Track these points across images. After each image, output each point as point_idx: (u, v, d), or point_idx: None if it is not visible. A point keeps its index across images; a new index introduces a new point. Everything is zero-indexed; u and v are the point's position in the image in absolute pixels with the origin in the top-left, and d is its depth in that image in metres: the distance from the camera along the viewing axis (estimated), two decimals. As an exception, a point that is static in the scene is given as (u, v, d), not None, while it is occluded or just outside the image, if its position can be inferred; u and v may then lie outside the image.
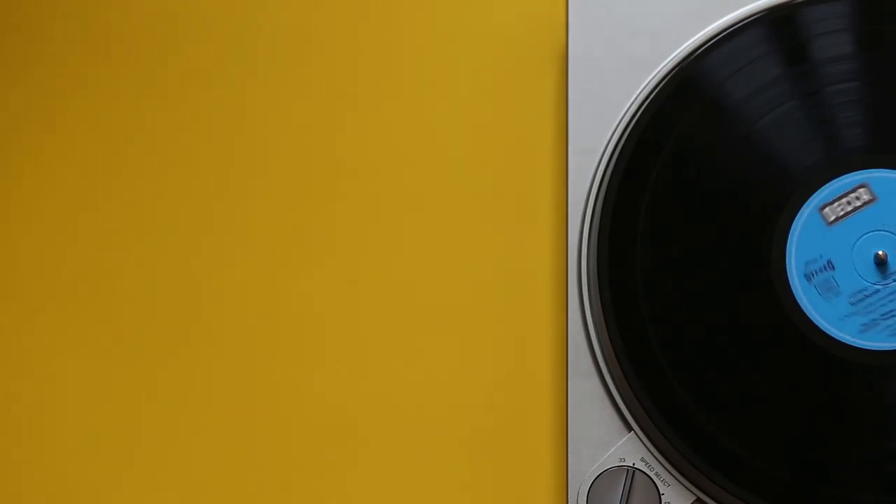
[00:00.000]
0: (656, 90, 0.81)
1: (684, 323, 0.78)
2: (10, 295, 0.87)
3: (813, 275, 0.77)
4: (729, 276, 0.78)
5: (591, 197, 0.81)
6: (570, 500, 0.79)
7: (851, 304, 0.78)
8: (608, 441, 0.79)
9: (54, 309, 0.87)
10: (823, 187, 0.78)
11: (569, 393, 0.80)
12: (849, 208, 0.78)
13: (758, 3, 0.81)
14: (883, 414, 0.77)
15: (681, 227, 0.79)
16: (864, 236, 0.78)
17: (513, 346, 0.84)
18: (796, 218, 0.78)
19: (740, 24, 0.81)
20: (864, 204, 0.78)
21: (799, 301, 0.78)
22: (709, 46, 0.81)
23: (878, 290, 0.78)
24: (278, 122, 0.88)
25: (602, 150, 0.81)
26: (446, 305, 0.85)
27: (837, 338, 0.77)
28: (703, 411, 0.78)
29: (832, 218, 0.78)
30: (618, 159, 0.80)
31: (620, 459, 0.79)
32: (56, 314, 0.87)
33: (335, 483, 0.85)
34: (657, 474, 0.79)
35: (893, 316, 0.77)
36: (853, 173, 0.78)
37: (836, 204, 0.78)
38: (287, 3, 0.89)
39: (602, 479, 0.79)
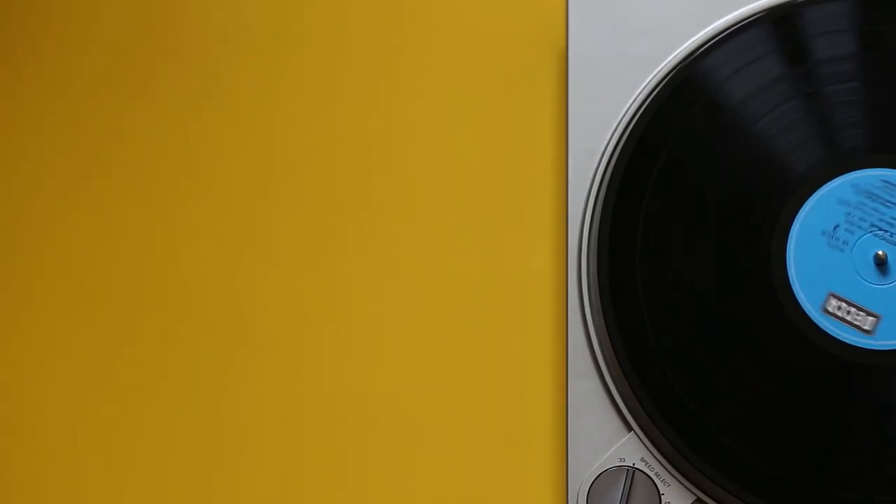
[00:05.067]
0: (656, 90, 0.81)
1: (684, 323, 0.78)
2: (13, 295, 0.88)
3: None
4: (729, 276, 0.78)
5: (591, 197, 0.81)
6: (570, 500, 0.79)
7: None
8: (608, 441, 0.79)
9: (54, 308, 0.87)
10: (820, 189, 0.78)
11: (569, 393, 0.80)
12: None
13: (758, 3, 0.81)
14: (883, 414, 0.77)
15: (681, 227, 0.79)
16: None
17: (513, 346, 0.84)
18: (797, 218, 0.78)
19: (740, 24, 0.81)
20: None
21: (799, 301, 0.78)
22: (709, 46, 0.81)
23: None
24: (274, 121, 0.88)
25: (602, 150, 0.81)
26: (445, 305, 0.85)
27: (838, 337, 0.77)
28: (703, 411, 0.78)
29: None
30: (618, 159, 0.80)
31: (620, 459, 0.79)
32: (54, 313, 0.87)
33: (334, 482, 0.85)
34: (657, 474, 0.79)
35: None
36: (849, 174, 0.78)
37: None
38: (283, 4, 0.89)
39: (602, 479, 0.79)
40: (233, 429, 0.85)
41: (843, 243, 0.78)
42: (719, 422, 0.77)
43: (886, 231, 0.78)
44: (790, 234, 0.78)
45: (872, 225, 0.78)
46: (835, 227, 0.78)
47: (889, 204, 0.78)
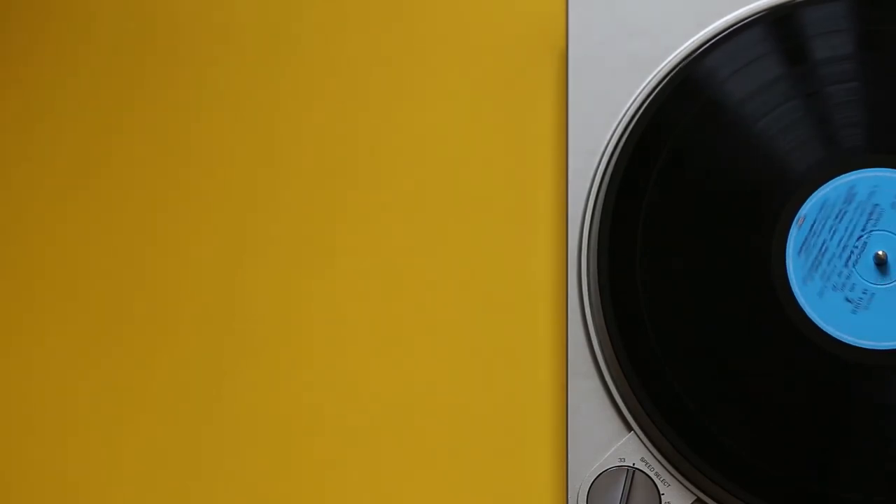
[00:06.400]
0: (656, 90, 0.81)
1: (684, 323, 0.78)
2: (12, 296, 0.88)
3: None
4: (729, 276, 0.78)
5: (591, 197, 0.81)
6: (570, 500, 0.79)
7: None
8: (608, 441, 0.79)
9: (50, 308, 0.87)
10: (823, 187, 0.78)
11: (569, 393, 0.80)
12: None
13: (758, 3, 0.81)
14: (883, 414, 0.77)
15: (681, 227, 0.79)
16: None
17: (513, 346, 0.84)
18: (796, 217, 0.78)
19: (740, 24, 0.81)
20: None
21: (799, 301, 0.78)
22: (709, 46, 0.81)
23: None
24: (273, 121, 0.88)
25: (602, 150, 0.81)
26: (445, 305, 0.85)
27: (838, 337, 0.77)
28: (703, 411, 0.78)
29: None
30: (618, 159, 0.80)
31: (620, 459, 0.79)
32: (50, 313, 0.87)
33: (333, 482, 0.85)
34: (657, 474, 0.79)
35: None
36: (849, 174, 0.78)
37: None
38: (283, 4, 0.89)
39: (602, 479, 0.79)
40: (231, 429, 0.85)
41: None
42: (719, 422, 0.77)
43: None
44: (790, 234, 0.78)
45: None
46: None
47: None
